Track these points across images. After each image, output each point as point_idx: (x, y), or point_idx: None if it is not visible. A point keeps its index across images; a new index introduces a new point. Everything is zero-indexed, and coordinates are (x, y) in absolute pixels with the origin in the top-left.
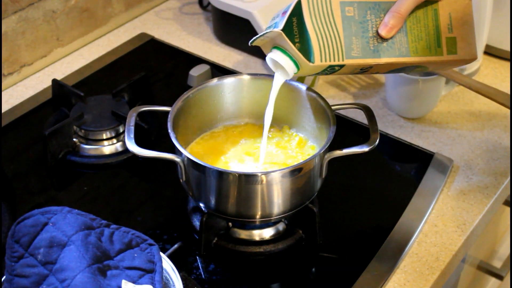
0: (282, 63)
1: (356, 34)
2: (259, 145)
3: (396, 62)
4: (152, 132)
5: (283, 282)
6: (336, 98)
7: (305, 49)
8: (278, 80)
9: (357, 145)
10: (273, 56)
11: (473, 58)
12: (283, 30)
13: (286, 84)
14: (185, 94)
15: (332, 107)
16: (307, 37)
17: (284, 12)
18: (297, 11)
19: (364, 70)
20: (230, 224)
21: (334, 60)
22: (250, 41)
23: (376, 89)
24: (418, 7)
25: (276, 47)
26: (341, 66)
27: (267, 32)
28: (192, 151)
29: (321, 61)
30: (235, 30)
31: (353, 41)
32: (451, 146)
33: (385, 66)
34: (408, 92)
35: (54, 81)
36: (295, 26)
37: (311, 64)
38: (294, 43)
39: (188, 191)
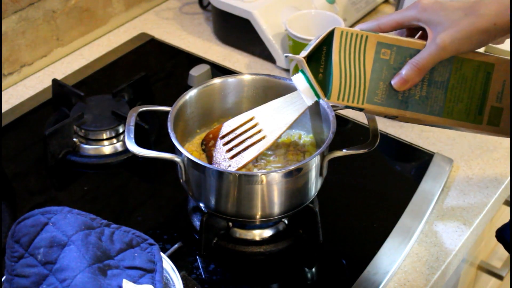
0: (300, 90)
1: (385, 80)
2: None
3: (424, 119)
4: (152, 132)
5: (283, 282)
6: None
7: (326, 83)
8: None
9: (357, 145)
10: (295, 79)
11: None
12: (308, 57)
13: (286, 85)
14: (185, 94)
15: (333, 107)
16: (330, 71)
17: (318, 37)
18: (329, 40)
19: (389, 117)
20: (230, 224)
21: (353, 102)
22: (285, 54)
23: None
24: (468, 65)
25: (302, 70)
26: (360, 109)
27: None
28: (190, 148)
29: (338, 99)
30: (235, 30)
31: (379, 86)
32: (451, 146)
33: (413, 120)
34: None
35: (54, 81)
36: (323, 56)
37: (326, 100)
38: (317, 73)
39: (188, 191)
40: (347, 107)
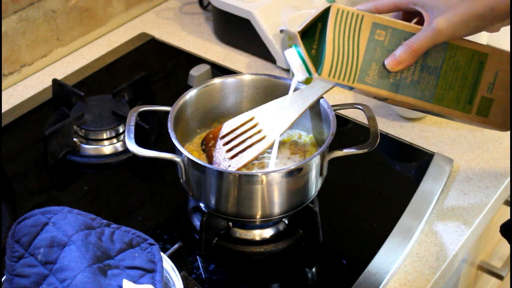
0: (292, 64)
1: (378, 60)
2: None
3: (414, 104)
4: (152, 132)
5: (283, 282)
6: (337, 98)
7: (318, 59)
8: (294, 80)
9: (357, 145)
10: (288, 54)
11: (504, 130)
12: (302, 32)
13: (286, 85)
14: (185, 94)
15: (332, 107)
16: (324, 48)
17: (314, 13)
18: (325, 17)
19: (379, 98)
20: (230, 224)
21: (343, 80)
22: (280, 29)
23: None
24: (462, 53)
25: (295, 45)
26: (350, 87)
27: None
28: (190, 148)
29: (329, 76)
30: (235, 30)
31: (371, 66)
32: (451, 146)
33: (403, 103)
34: None
35: (55, 81)
36: (317, 32)
37: (317, 75)
38: (310, 49)
39: (188, 191)
40: (337, 85)
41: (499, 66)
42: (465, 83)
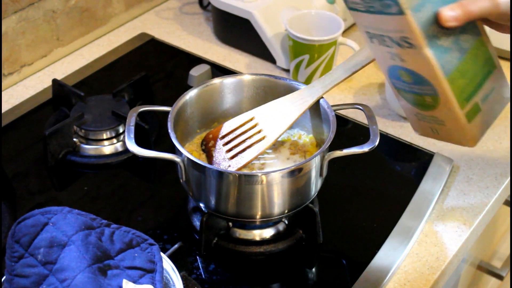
0: None
1: (434, 4)
2: None
3: (433, 67)
4: (152, 132)
5: (283, 282)
6: (336, 98)
7: None
8: None
9: (357, 145)
10: None
11: (469, 144)
12: None
13: (286, 85)
14: (185, 94)
15: (332, 107)
16: None
17: None
18: None
19: (406, 44)
20: (230, 224)
21: None
22: None
23: (376, 89)
24: (484, 51)
25: None
26: (400, 12)
27: None
28: (190, 148)
29: None
30: (235, 30)
31: (425, 6)
32: (451, 146)
33: (422, 64)
34: None
35: (54, 81)
36: None
37: None
38: None
39: (188, 191)
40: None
41: (496, 84)
42: (474, 80)
